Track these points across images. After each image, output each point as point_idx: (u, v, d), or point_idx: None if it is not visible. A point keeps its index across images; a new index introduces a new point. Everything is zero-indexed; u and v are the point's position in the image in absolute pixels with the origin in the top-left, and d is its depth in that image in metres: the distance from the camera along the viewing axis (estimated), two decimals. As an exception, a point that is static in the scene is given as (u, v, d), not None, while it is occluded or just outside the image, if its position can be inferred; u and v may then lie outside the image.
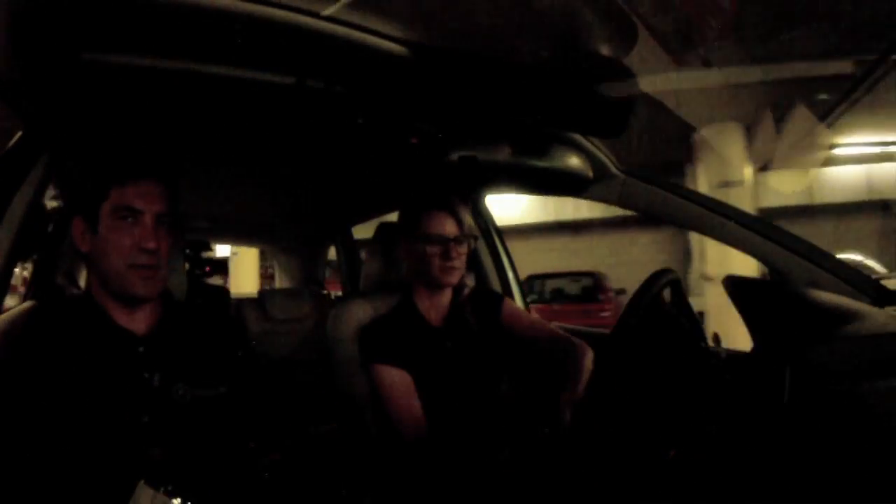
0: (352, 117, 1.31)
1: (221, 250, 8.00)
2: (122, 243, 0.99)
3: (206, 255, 3.04)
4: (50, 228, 1.87)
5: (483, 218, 2.20)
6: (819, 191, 10.30)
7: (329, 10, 0.90)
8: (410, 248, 1.42)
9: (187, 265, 2.83)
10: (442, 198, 1.42)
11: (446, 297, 1.48)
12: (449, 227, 1.40)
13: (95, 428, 0.93)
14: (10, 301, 1.19)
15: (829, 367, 0.70)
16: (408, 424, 1.33)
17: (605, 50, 1.19)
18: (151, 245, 0.99)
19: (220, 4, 0.84)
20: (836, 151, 9.38)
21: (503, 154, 1.12)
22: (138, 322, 1.04)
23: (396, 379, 1.36)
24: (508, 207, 10.90)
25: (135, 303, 1.03)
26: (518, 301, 2.25)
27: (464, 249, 1.42)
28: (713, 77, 5.19)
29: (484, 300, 1.58)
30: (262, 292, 2.98)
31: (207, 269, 3.02)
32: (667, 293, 1.15)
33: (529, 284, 9.58)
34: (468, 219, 1.45)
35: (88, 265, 1.05)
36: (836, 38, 4.97)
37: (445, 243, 1.38)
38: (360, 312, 1.53)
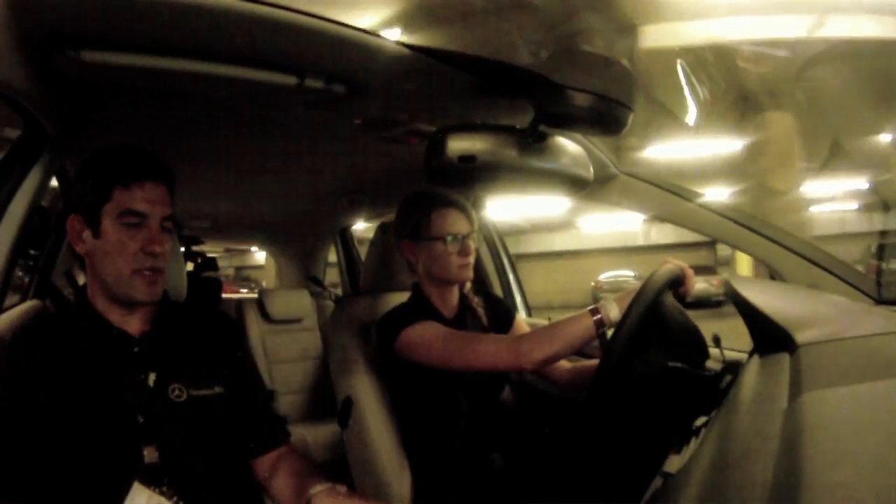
0: (352, 117, 1.31)
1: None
2: (127, 247, 0.97)
3: (195, 248, 3.07)
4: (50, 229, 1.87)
5: (483, 219, 2.20)
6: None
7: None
8: (423, 249, 1.41)
9: (190, 265, 2.83)
10: (450, 196, 1.43)
11: (455, 294, 1.49)
12: (462, 225, 1.40)
13: (91, 428, 0.93)
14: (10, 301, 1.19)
15: (829, 368, 0.69)
16: (469, 354, 1.28)
17: (604, 51, 1.19)
18: (158, 249, 0.99)
19: (220, 4, 0.84)
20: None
21: (503, 154, 1.12)
22: (133, 322, 1.03)
23: (436, 328, 1.32)
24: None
25: (134, 306, 1.02)
26: (519, 302, 2.26)
27: (475, 244, 1.43)
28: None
29: (497, 308, 1.58)
30: (262, 292, 2.99)
31: (199, 260, 3.05)
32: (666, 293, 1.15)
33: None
34: (474, 214, 1.45)
35: (85, 266, 1.04)
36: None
37: (461, 240, 1.39)
38: (361, 312, 1.53)
